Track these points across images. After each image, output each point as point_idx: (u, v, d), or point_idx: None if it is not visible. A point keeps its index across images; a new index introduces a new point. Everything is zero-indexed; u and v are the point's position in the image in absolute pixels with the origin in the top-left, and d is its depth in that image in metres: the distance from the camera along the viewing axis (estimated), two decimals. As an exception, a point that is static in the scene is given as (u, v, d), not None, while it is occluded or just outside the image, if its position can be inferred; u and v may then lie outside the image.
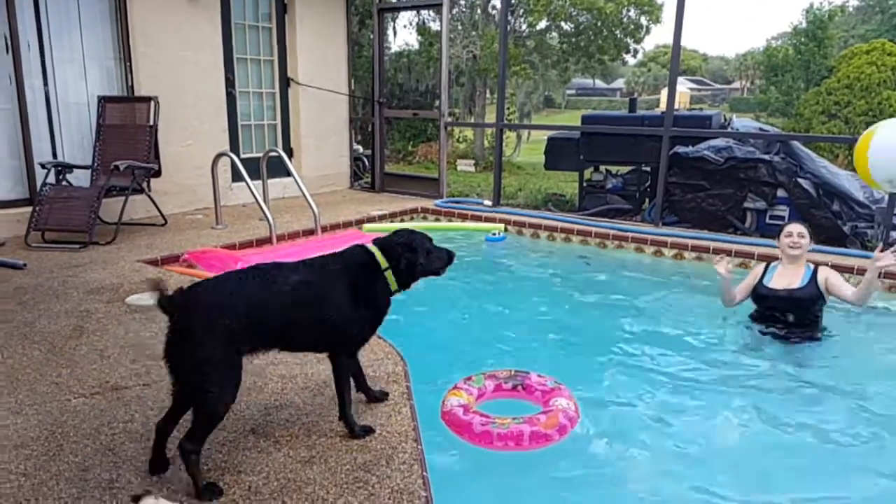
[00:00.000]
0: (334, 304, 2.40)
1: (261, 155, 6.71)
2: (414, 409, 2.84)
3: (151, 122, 6.05)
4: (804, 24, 20.49)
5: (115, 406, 2.81)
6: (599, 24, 16.48)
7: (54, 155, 6.08)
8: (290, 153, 8.12)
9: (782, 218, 6.75)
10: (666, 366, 3.80)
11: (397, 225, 7.09)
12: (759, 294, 4.21)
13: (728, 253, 5.81)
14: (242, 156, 7.42)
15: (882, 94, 14.73)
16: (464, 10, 16.89)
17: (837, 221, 6.46)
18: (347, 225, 6.70)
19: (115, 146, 6.00)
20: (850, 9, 28.54)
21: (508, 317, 4.66)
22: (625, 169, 8.06)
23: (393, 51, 16.55)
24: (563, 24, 17.03)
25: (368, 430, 2.60)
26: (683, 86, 41.54)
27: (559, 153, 8.29)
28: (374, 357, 3.36)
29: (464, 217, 7.29)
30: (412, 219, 7.51)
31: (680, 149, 6.97)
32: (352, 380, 2.71)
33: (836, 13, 20.37)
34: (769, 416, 3.26)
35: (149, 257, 5.12)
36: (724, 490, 2.66)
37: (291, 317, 2.32)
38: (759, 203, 6.83)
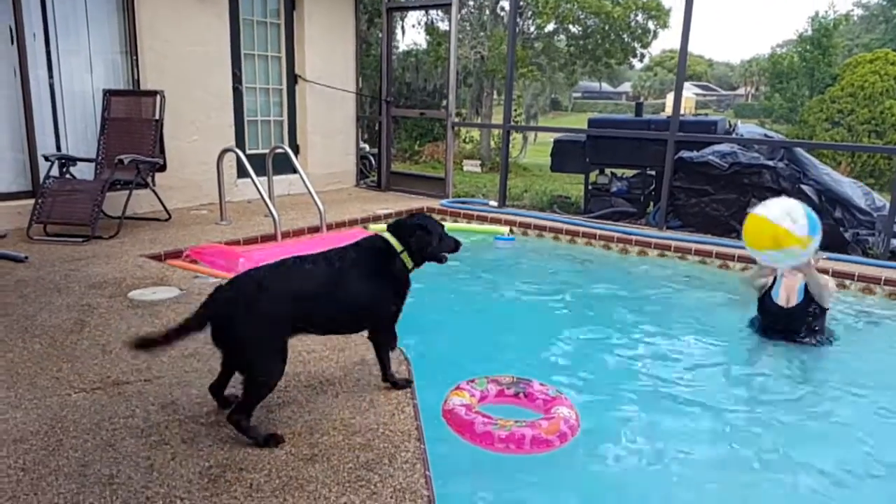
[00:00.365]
0: (363, 288, 2.69)
1: (267, 151, 6.69)
2: (417, 409, 2.81)
3: (157, 117, 6.02)
4: (809, 32, 20.47)
5: (115, 401, 2.78)
6: (607, 27, 16.45)
7: (58, 147, 6.06)
8: (296, 150, 8.10)
9: (785, 224, 6.72)
10: (668, 372, 3.76)
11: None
12: (766, 307, 4.22)
13: (731, 258, 5.79)
14: (248, 152, 7.39)
15: (885, 102, 14.77)
16: (472, 10, 16.87)
17: (839, 228, 6.46)
18: (353, 223, 6.68)
19: (120, 140, 5.98)
20: (855, 18, 28.52)
21: (512, 319, 4.63)
22: (630, 172, 8.05)
23: (401, 50, 16.54)
24: (571, 27, 17.00)
25: (409, 382, 2.98)
26: (689, 91, 41.52)
27: (565, 155, 8.27)
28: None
29: (469, 217, 7.27)
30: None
31: (685, 153, 6.97)
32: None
33: (840, 22, 20.34)
34: (774, 422, 3.24)
35: (152, 252, 5.09)
36: (726, 498, 2.63)
37: (331, 303, 2.61)
38: (763, 209, 6.81)
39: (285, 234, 5.84)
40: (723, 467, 2.88)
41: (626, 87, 51.93)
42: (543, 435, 2.70)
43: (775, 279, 4.25)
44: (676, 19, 18.73)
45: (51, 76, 5.98)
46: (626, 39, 16.81)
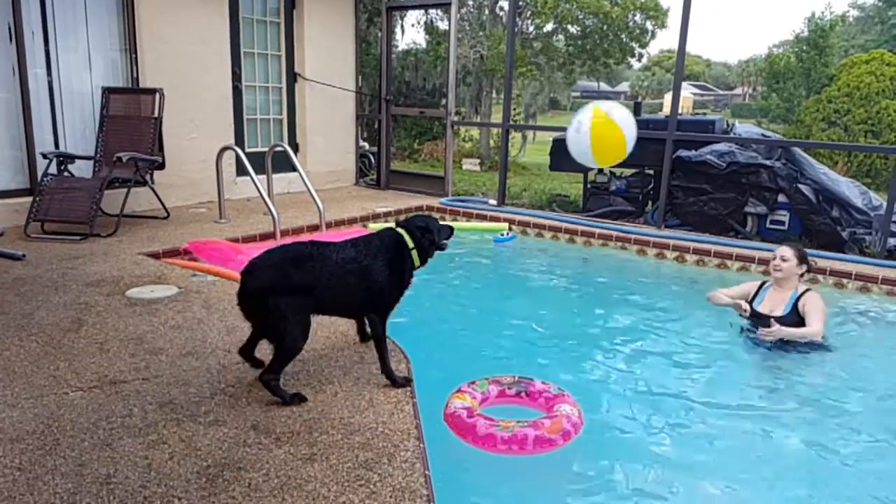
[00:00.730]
0: (375, 275, 2.91)
1: (266, 149, 6.68)
2: (416, 408, 2.80)
3: (156, 115, 6.00)
4: (805, 33, 20.51)
5: (113, 400, 2.77)
6: (605, 27, 16.45)
7: (56, 145, 6.04)
8: (295, 148, 8.08)
9: (782, 223, 6.77)
10: (669, 371, 3.77)
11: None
12: (749, 315, 4.23)
13: (729, 257, 5.80)
14: (248, 150, 7.38)
15: (881, 102, 14.83)
16: (472, 10, 16.86)
17: (836, 227, 6.48)
18: (352, 221, 6.67)
19: (119, 138, 5.96)
20: (851, 19, 28.59)
21: (512, 319, 4.61)
22: (628, 171, 8.05)
23: (400, 49, 16.52)
24: (569, 27, 16.99)
25: (408, 381, 2.99)
26: (687, 91, 41.52)
27: (564, 154, 8.16)
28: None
29: (469, 216, 7.26)
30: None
31: (683, 152, 6.98)
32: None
33: (837, 23, 20.37)
34: (774, 423, 3.23)
35: (150, 250, 5.08)
36: (727, 499, 2.62)
37: (345, 284, 2.85)
38: (760, 208, 6.85)
39: (284, 233, 5.82)
40: (726, 467, 2.87)
41: (624, 86, 51.89)
42: (546, 434, 2.68)
43: (759, 290, 4.26)
44: (674, 20, 18.75)
45: (49, 74, 5.96)
46: (624, 39, 16.81)
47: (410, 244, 3.00)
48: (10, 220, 5.55)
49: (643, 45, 17.23)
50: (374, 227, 6.64)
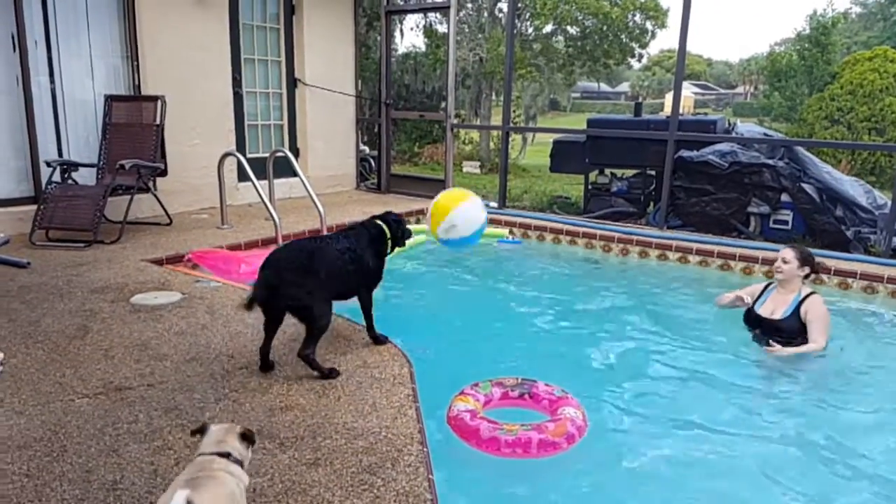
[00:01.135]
0: (368, 260, 3.40)
1: (267, 155, 6.70)
2: (419, 412, 2.81)
3: (158, 122, 6.04)
4: (807, 31, 20.46)
5: (118, 406, 2.79)
6: (605, 28, 16.46)
7: (60, 153, 6.08)
8: (296, 153, 8.11)
9: (786, 223, 6.76)
10: (673, 374, 3.78)
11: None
12: (749, 317, 4.23)
13: (732, 257, 5.81)
14: (249, 156, 7.40)
15: (884, 100, 14.75)
16: (471, 12, 16.89)
17: (841, 226, 6.47)
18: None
19: (122, 145, 6.00)
20: (853, 16, 28.51)
21: (515, 321, 4.63)
22: (630, 172, 8.06)
23: (400, 52, 16.55)
24: (569, 28, 17.01)
25: (386, 339, 3.52)
26: (688, 90, 41.41)
27: (565, 156, 8.28)
28: (380, 358, 3.34)
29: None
30: (418, 220, 7.48)
31: (685, 153, 6.97)
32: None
33: (839, 20, 20.31)
34: (779, 426, 3.24)
35: (153, 256, 5.10)
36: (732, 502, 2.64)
37: (346, 271, 3.28)
38: (763, 207, 6.84)
39: (286, 238, 5.83)
40: (732, 471, 2.88)
41: (624, 87, 51.84)
42: (550, 437, 2.69)
43: (763, 291, 4.26)
44: (674, 19, 18.73)
45: (52, 82, 6.00)
46: (624, 40, 16.82)
47: (388, 234, 3.52)
48: (15, 228, 5.59)
49: (643, 46, 17.24)
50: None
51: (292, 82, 8.13)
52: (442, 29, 16.39)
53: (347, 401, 2.89)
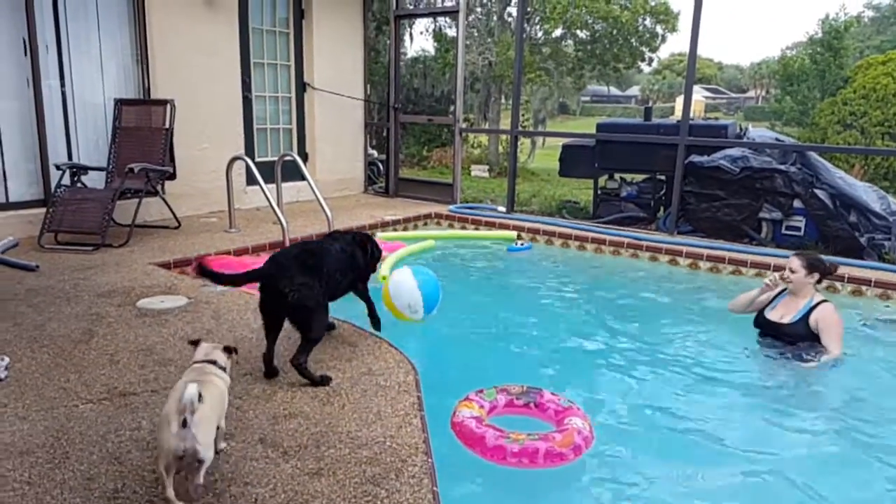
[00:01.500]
0: (359, 259, 3.55)
1: (276, 159, 6.71)
2: (424, 421, 2.77)
3: (167, 125, 6.05)
4: (819, 34, 20.30)
5: (122, 413, 2.78)
6: (615, 32, 16.39)
7: (69, 156, 6.11)
8: (304, 157, 8.12)
9: (798, 229, 6.69)
10: (683, 384, 3.71)
11: (411, 232, 7.06)
12: (758, 321, 4.20)
13: (744, 263, 5.74)
14: (257, 159, 7.42)
15: (898, 104, 14.57)
16: (480, 16, 16.87)
17: (854, 233, 6.38)
18: (361, 230, 6.65)
19: (131, 148, 6.02)
20: (866, 19, 28.27)
21: (521, 328, 4.58)
22: (639, 177, 8.00)
23: (409, 56, 16.56)
24: (578, 31, 16.96)
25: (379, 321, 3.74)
26: (698, 94, 41.18)
27: (574, 160, 8.24)
28: (384, 365, 3.31)
29: (477, 223, 7.25)
30: (426, 224, 7.47)
31: (695, 158, 6.91)
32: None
33: (851, 23, 20.13)
34: (789, 438, 3.18)
35: (161, 260, 5.11)
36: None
37: (344, 269, 3.41)
38: (775, 213, 6.77)
39: (294, 242, 5.82)
40: (745, 484, 2.82)
41: (634, 90, 51.67)
42: (557, 448, 2.65)
43: (776, 296, 4.20)
44: (685, 23, 18.63)
45: (63, 86, 6.03)
46: (634, 44, 16.74)
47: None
48: (24, 231, 5.61)
49: (653, 50, 17.15)
50: (382, 235, 6.66)
51: (301, 86, 8.14)
52: (451, 33, 16.38)
53: (352, 409, 2.86)
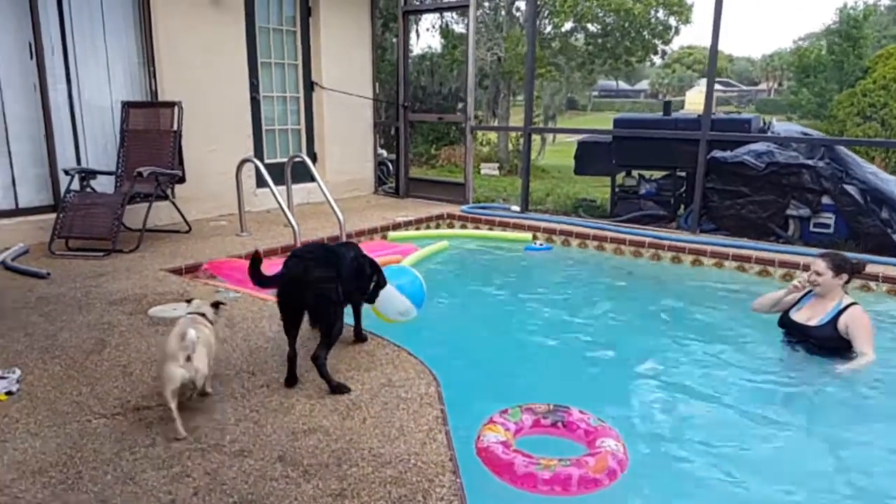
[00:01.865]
0: (367, 268, 3.45)
1: (285, 160, 6.60)
2: (450, 436, 2.65)
3: (175, 128, 5.95)
4: (837, 24, 19.98)
5: (136, 428, 2.67)
6: (627, 25, 16.16)
7: (78, 161, 6.01)
8: (314, 158, 8.00)
9: (827, 226, 6.49)
10: (717, 395, 3.54)
11: (423, 233, 6.94)
12: (782, 321, 4.06)
13: (771, 263, 5.58)
14: (266, 161, 7.31)
15: (920, 96, 14.28)
16: (488, 11, 16.69)
17: (887, 229, 6.19)
18: (373, 231, 6.56)
19: (139, 152, 5.92)
20: (882, 9, 27.82)
21: (542, 335, 4.42)
22: (658, 174, 7.83)
23: (415, 54, 16.43)
24: (589, 25, 16.75)
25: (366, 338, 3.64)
26: (709, 87, 40.72)
27: (590, 157, 8.08)
28: (405, 376, 3.19)
29: (491, 224, 7.11)
30: (438, 225, 7.34)
31: (718, 153, 6.74)
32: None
33: (871, 11, 19.80)
34: (838, 448, 3.03)
35: (172, 266, 5.01)
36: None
37: (354, 276, 3.31)
38: (803, 210, 6.58)
39: (304, 244, 5.71)
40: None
41: (643, 84, 51.35)
42: (591, 474, 2.50)
43: (803, 296, 4.07)
44: (699, 15, 18.38)
45: (70, 89, 5.93)
46: (646, 37, 16.50)
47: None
48: (35, 238, 5.53)
49: (666, 42, 16.91)
50: (394, 236, 6.55)
51: (309, 86, 8.03)
52: (459, 29, 16.24)
53: (373, 423, 2.74)
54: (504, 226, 7.01)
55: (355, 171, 8.58)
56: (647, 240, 6.23)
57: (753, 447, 3.05)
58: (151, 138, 5.97)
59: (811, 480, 2.81)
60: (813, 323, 3.86)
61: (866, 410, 3.45)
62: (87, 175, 5.62)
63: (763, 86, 47.86)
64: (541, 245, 6.47)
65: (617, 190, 7.90)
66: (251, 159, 5.99)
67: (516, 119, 17.98)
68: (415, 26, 15.82)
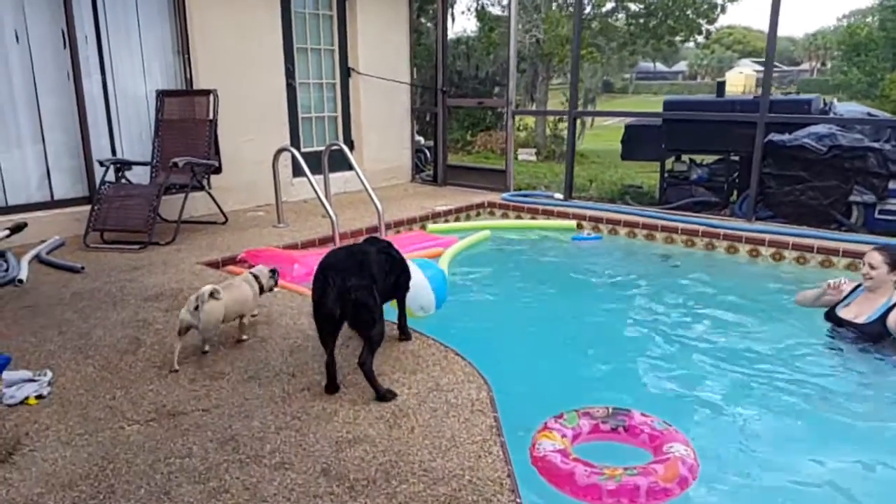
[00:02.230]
0: (400, 262, 3.36)
1: (322, 149, 6.41)
2: (506, 449, 2.44)
3: (211, 117, 5.81)
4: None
5: (171, 436, 2.51)
6: (670, 3, 15.51)
7: (113, 152, 5.91)
8: (350, 146, 7.81)
9: (894, 213, 6.03)
10: (792, 396, 3.26)
11: (462, 224, 6.70)
12: (829, 316, 3.88)
13: (835, 252, 5.20)
14: (303, 150, 7.14)
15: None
16: (527, -8, 16.21)
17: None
18: (412, 221, 6.35)
19: (175, 142, 5.80)
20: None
21: (595, 331, 4.17)
22: (710, 158, 7.44)
23: (450, 38, 16.07)
24: (630, 4, 16.14)
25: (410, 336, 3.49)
26: (748, 68, 39.51)
27: (638, 142, 7.72)
28: (453, 379, 2.98)
29: (534, 212, 6.83)
30: (478, 214, 7.09)
31: (775, 136, 6.33)
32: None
33: (928, -15, 18.75)
34: None
35: (209, 259, 4.88)
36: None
37: (385, 273, 3.18)
38: (868, 196, 6.14)
39: (343, 236, 5.53)
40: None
41: (681, 66, 50.05)
42: (661, 483, 2.28)
43: (852, 291, 3.84)
44: (747, -8, 17.60)
45: (104, 79, 5.82)
46: (690, 15, 15.81)
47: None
48: (71, 230, 5.46)
49: (711, 21, 16.20)
50: (432, 228, 6.33)
51: (346, 72, 7.82)
52: (495, 11, 15.83)
53: (422, 432, 2.53)
54: (547, 214, 6.73)
55: (393, 158, 8.36)
56: (701, 228, 5.90)
57: (827, 451, 2.80)
58: (187, 128, 5.85)
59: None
60: (860, 320, 3.65)
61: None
62: (122, 166, 5.52)
63: (805, 66, 46.25)
64: (589, 234, 6.17)
65: (666, 175, 7.53)
66: (288, 148, 5.82)
67: (554, 103, 17.56)
68: (450, 10, 15.49)
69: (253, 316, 3.51)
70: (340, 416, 2.66)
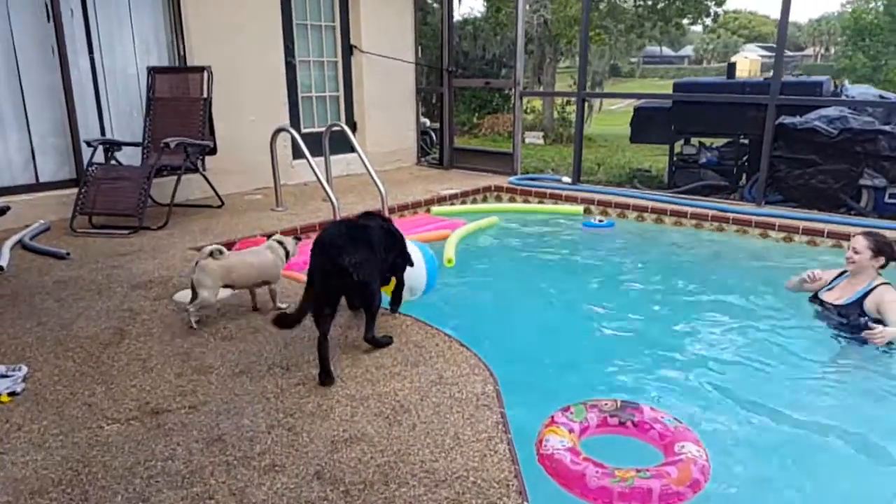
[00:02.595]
0: (399, 238, 3.25)
1: (323, 130, 6.18)
2: (513, 447, 2.26)
3: (205, 95, 5.59)
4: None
5: (153, 436, 2.33)
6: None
7: (102, 131, 5.68)
8: (353, 127, 7.57)
9: (905, 197, 5.87)
10: (808, 392, 3.11)
11: (469, 206, 6.50)
12: (813, 300, 3.94)
13: (845, 237, 5.06)
14: (303, 131, 6.92)
15: None
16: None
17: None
18: (416, 206, 6.16)
19: (167, 121, 5.58)
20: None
21: (605, 320, 3.98)
22: (719, 141, 7.24)
23: (456, 19, 15.74)
24: (639, -15, 15.80)
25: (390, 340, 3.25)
26: (753, 53, 39.12)
27: (647, 124, 7.52)
28: (458, 372, 2.80)
29: (542, 196, 6.63)
30: (485, 198, 6.88)
31: (786, 119, 6.15)
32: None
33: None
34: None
35: (202, 244, 4.65)
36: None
37: (386, 249, 3.10)
38: (878, 180, 5.99)
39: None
40: None
41: (687, 50, 49.70)
42: (674, 487, 2.15)
43: (837, 276, 3.90)
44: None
45: (91, 55, 5.57)
46: (698, -2, 15.46)
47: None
48: (57, 214, 5.26)
49: (719, 3, 15.86)
50: (437, 210, 6.15)
51: (348, 49, 7.56)
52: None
53: (423, 430, 2.35)
54: (556, 198, 6.54)
55: (397, 140, 8.13)
56: (711, 212, 5.76)
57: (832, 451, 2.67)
58: (180, 106, 5.63)
59: None
60: (841, 301, 3.73)
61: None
62: (112, 146, 5.30)
63: (809, 51, 46.01)
64: (601, 221, 5.97)
65: (675, 159, 7.32)
66: (287, 128, 5.59)
67: (561, 86, 17.26)
68: (457, -12, 15.19)
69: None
70: (337, 413, 2.48)
